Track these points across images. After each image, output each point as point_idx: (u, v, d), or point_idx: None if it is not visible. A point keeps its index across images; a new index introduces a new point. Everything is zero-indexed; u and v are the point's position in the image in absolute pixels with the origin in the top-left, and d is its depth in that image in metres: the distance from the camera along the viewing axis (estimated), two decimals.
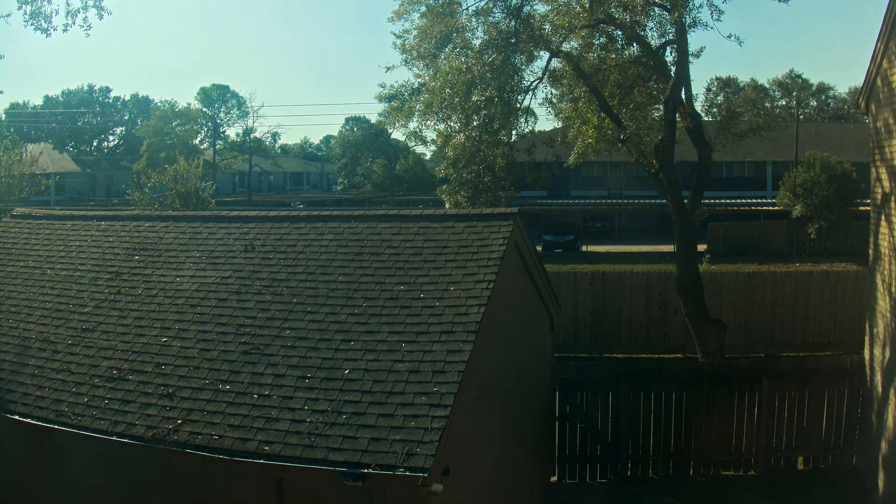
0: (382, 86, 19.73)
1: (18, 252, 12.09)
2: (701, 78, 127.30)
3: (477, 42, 17.53)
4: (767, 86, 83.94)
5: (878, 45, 12.50)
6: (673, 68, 17.02)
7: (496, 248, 9.44)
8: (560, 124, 20.21)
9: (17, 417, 8.45)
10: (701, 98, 20.46)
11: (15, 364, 9.30)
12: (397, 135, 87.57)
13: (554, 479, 14.01)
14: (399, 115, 18.26)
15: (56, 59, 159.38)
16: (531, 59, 18.06)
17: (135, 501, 8.21)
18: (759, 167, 59.54)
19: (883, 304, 12.63)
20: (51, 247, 11.96)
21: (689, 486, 13.66)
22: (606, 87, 17.38)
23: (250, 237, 10.84)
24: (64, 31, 14.04)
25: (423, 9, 17.37)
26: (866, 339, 13.78)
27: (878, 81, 12.79)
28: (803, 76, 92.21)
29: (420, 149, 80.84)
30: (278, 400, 7.82)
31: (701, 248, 26.60)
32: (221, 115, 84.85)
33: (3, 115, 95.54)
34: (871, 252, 13.60)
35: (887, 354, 12.26)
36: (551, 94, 19.28)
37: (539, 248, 39.24)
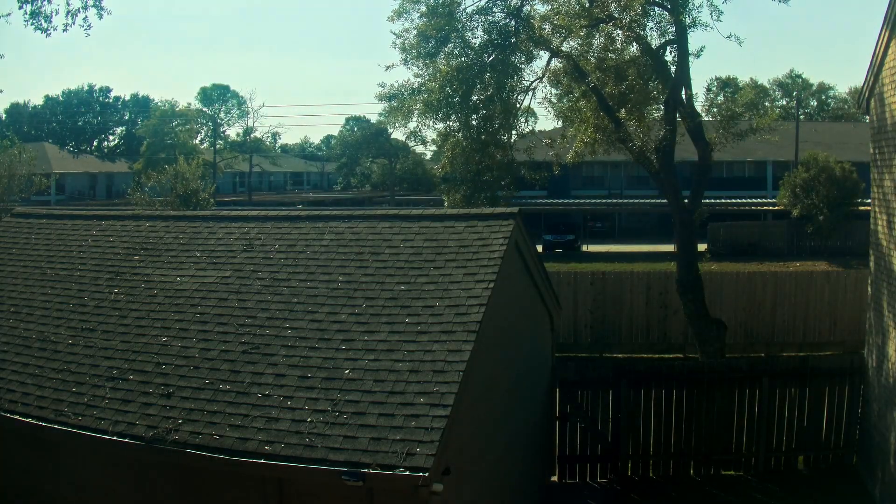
0: (382, 85, 19.63)
1: (18, 252, 12.08)
2: (701, 78, 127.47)
3: (476, 41, 17.54)
4: (767, 86, 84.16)
5: (879, 44, 12.49)
6: (673, 68, 17.02)
7: (496, 248, 9.43)
8: (560, 124, 20.22)
9: (17, 417, 8.45)
10: (701, 98, 20.50)
11: (15, 364, 9.30)
12: (397, 135, 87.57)
13: (554, 478, 14.01)
14: (398, 114, 18.25)
15: (56, 59, 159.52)
16: (531, 58, 18.07)
17: (135, 501, 8.22)
18: (759, 167, 59.52)
19: (883, 303, 12.63)
20: (51, 246, 11.95)
21: (689, 485, 13.66)
22: (606, 87, 17.38)
23: (251, 237, 10.84)
24: (64, 30, 14.03)
25: (423, 8, 17.37)
26: (866, 338, 13.79)
27: (879, 81, 12.78)
28: (803, 76, 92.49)
29: (420, 149, 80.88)
30: (279, 400, 7.82)
31: (701, 247, 26.58)
32: (221, 115, 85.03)
33: (4, 115, 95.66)
34: (870, 251, 13.60)
35: (888, 354, 12.26)
36: (551, 93, 19.30)
37: (539, 248, 39.19)
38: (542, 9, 17.74)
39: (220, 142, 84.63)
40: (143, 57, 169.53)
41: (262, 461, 7.18)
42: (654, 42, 17.31)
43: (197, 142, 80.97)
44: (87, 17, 13.71)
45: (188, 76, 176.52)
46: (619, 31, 17.02)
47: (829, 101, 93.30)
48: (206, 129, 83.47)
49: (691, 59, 16.82)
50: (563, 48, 17.44)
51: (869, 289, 13.68)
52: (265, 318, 9.09)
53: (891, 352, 12.09)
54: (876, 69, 12.80)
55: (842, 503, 12.87)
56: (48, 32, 13.72)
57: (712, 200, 45.87)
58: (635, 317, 21.97)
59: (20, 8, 13.73)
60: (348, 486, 6.88)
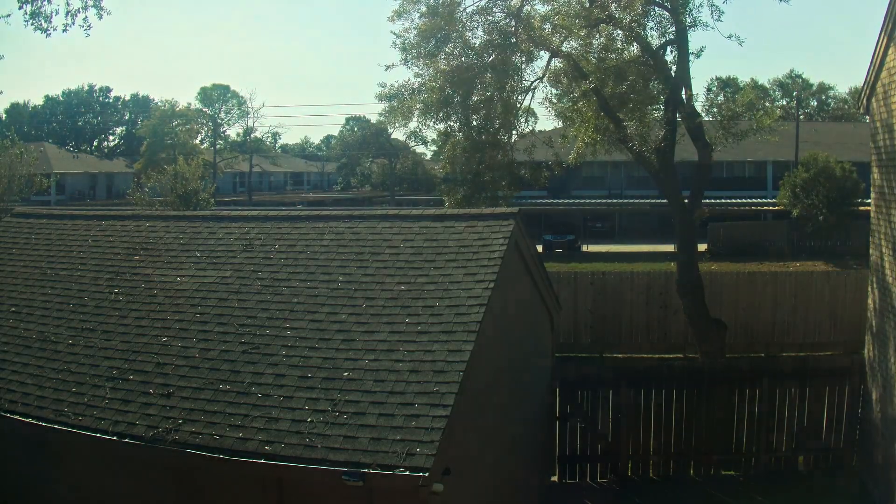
0: (382, 85, 19.57)
1: (18, 252, 12.08)
2: (701, 78, 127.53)
3: (477, 42, 17.52)
4: (767, 86, 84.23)
5: (879, 44, 12.49)
6: (673, 68, 17.01)
7: (497, 248, 9.43)
8: (560, 124, 20.19)
9: (17, 417, 8.45)
10: (701, 98, 20.50)
11: (15, 364, 9.30)
12: (397, 135, 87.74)
13: (554, 478, 14.01)
14: (398, 114, 18.22)
15: (56, 59, 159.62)
16: (531, 58, 18.06)
17: (135, 501, 8.21)
18: (759, 167, 59.55)
19: (883, 303, 12.62)
20: (51, 246, 11.95)
21: (689, 485, 13.66)
22: (607, 87, 17.36)
23: (251, 237, 10.84)
24: (64, 31, 14.01)
25: (423, 8, 17.36)
26: (866, 338, 13.78)
27: (879, 81, 12.77)
28: (803, 76, 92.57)
29: (420, 149, 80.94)
30: (279, 400, 7.82)
31: (701, 248, 26.58)
32: (221, 115, 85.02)
33: (4, 115, 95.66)
34: (871, 252, 13.59)
35: (888, 354, 12.25)
36: (551, 93, 19.27)
37: (539, 248, 39.18)
38: (542, 9, 17.74)
39: (220, 142, 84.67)
40: (143, 57, 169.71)
41: (262, 461, 7.18)
42: (655, 42, 17.31)
43: (197, 142, 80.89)
44: (86, 17, 13.71)
45: (188, 76, 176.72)
46: (620, 32, 17.01)
47: (829, 101, 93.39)
48: (206, 129, 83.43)
49: (691, 59, 16.83)
50: (563, 48, 17.42)
51: (870, 289, 13.66)
52: (265, 318, 9.09)
53: (890, 352, 12.08)
54: (876, 68, 12.79)
55: (842, 503, 12.87)
56: (48, 33, 13.73)
57: (712, 200, 45.91)
58: (635, 317, 21.97)
59: (20, 8, 13.73)
60: (348, 486, 6.88)
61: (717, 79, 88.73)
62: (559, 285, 19.83)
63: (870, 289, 13.66)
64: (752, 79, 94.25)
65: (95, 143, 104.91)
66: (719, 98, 19.38)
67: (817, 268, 31.88)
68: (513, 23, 17.40)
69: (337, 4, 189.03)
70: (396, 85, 18.27)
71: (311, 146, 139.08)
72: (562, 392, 13.95)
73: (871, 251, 13.58)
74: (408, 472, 6.75)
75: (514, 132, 18.97)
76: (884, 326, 12.53)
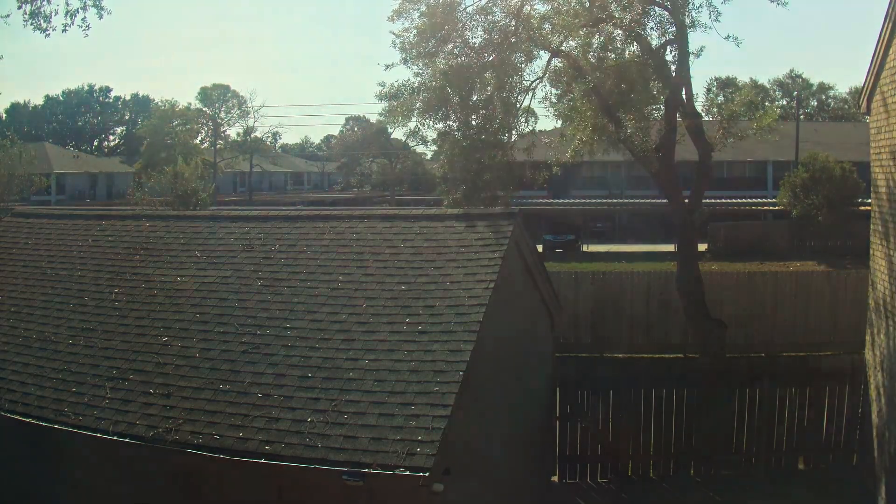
0: (382, 85, 19.42)
1: (18, 252, 12.08)
2: (701, 77, 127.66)
3: (476, 41, 17.50)
4: (767, 86, 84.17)
5: (879, 44, 12.48)
6: (673, 68, 16.99)
7: (497, 248, 9.44)
8: (560, 123, 20.17)
9: (17, 417, 8.44)
10: (701, 98, 20.49)
11: (15, 364, 9.30)
12: (397, 135, 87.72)
13: (554, 478, 14.01)
14: (398, 114, 18.18)
15: (56, 59, 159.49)
16: (531, 58, 18.03)
17: (135, 501, 8.21)
18: (759, 167, 59.54)
19: (883, 303, 12.61)
20: (51, 246, 11.95)
21: (689, 485, 13.66)
22: (606, 87, 17.35)
23: (251, 237, 10.84)
24: (63, 31, 13.97)
25: (423, 7, 17.33)
26: (867, 339, 13.77)
27: (879, 80, 12.77)
28: (803, 76, 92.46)
29: (420, 149, 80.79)
30: (279, 399, 7.82)
31: (701, 247, 26.54)
32: (222, 114, 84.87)
33: (4, 115, 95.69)
34: (871, 251, 13.58)
35: (888, 355, 12.25)
36: (551, 93, 19.23)
37: (540, 248, 39.13)
38: (541, 8, 17.70)
39: (220, 142, 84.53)
40: (143, 57, 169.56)
41: (262, 461, 7.18)
42: (655, 42, 17.28)
43: (197, 142, 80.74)
44: (85, 17, 13.66)
45: (188, 76, 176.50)
46: (619, 31, 17.00)
47: (829, 101, 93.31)
48: (206, 129, 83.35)
49: (691, 59, 16.77)
50: (562, 48, 17.41)
51: (870, 289, 13.66)
52: (265, 318, 9.09)
53: (890, 352, 12.08)
54: (876, 68, 12.79)
55: (842, 503, 12.86)
56: (47, 33, 13.68)
57: (712, 200, 45.88)
58: (635, 317, 21.95)
59: (20, 8, 13.69)
60: (349, 486, 6.88)
61: (717, 79, 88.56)
62: (559, 285, 19.78)
63: (870, 289, 13.65)
64: (752, 79, 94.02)
65: (95, 143, 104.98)
66: (719, 98, 19.28)
67: (817, 268, 31.87)
68: (513, 22, 17.38)
69: (337, 4, 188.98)
70: (396, 84, 18.18)
71: (311, 146, 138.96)
72: (562, 392, 13.95)
73: (871, 251, 13.58)
74: (408, 472, 6.75)
75: (513, 132, 18.94)
76: (884, 326, 12.52)
